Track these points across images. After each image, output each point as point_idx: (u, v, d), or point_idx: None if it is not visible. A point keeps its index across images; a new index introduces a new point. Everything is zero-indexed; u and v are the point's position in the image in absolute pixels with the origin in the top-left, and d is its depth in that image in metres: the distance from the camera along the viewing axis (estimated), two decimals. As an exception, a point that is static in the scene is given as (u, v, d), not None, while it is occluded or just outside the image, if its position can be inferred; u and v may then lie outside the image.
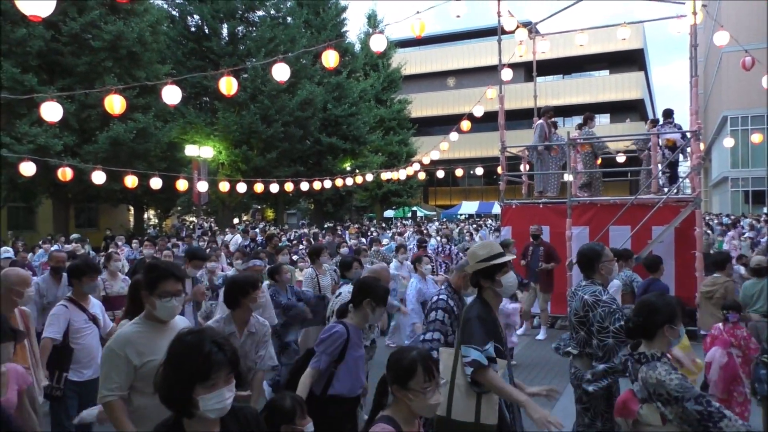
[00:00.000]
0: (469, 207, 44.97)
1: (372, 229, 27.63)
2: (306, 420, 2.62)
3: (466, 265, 3.61)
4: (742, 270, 8.33)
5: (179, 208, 31.93)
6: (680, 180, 11.35)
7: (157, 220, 35.59)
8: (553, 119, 12.06)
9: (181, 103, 17.75)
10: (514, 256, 3.71)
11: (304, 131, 28.88)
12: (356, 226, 29.05)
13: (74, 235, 16.68)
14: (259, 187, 18.29)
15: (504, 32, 11.69)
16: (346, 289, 5.22)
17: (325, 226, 28.59)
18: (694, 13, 9.77)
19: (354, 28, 65.56)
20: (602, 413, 3.81)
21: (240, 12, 28.21)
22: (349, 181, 20.75)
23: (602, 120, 46.58)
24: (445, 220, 38.63)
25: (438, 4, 8.92)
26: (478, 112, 14.77)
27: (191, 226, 28.88)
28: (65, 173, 12.46)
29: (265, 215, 42.04)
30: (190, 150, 21.86)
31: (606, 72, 51.19)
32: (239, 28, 28.35)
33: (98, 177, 12.65)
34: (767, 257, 6.99)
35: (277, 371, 6.18)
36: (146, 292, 3.05)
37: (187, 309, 5.87)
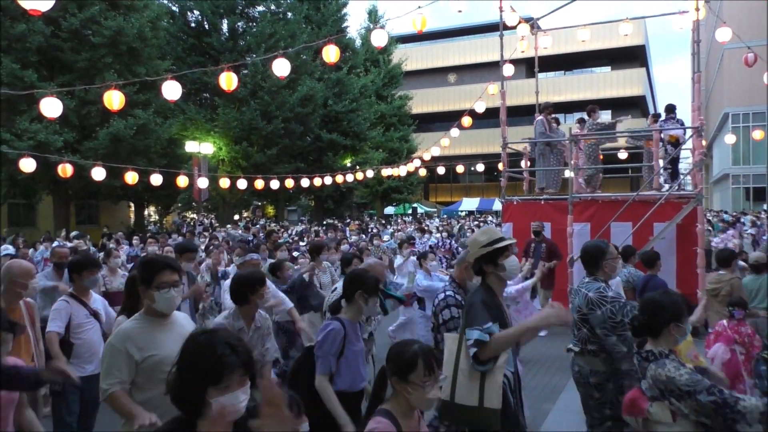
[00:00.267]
0: (469, 204, 44.93)
1: (371, 225, 27.64)
2: (301, 419, 2.59)
3: (467, 255, 3.60)
4: (743, 264, 8.30)
5: (180, 204, 31.95)
6: (682, 176, 11.32)
7: (157, 217, 35.61)
8: (553, 115, 12.02)
9: (181, 100, 17.73)
10: (515, 240, 3.73)
11: (305, 127, 28.85)
12: (357, 222, 29.06)
13: (74, 233, 16.66)
14: (259, 184, 18.28)
15: (506, 28, 11.65)
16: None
17: (325, 222, 28.58)
18: (697, 9, 9.74)
19: (355, 24, 65.51)
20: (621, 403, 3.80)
21: (240, 7, 28.16)
22: (350, 178, 20.76)
23: (603, 116, 46.39)
24: (445, 216, 38.61)
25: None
26: (480, 108, 14.74)
27: (192, 223, 28.89)
28: (65, 170, 12.45)
29: (266, 212, 42.04)
30: (191, 146, 21.83)
31: (607, 68, 51.10)
32: (239, 23, 28.31)
33: (98, 173, 12.65)
34: (766, 254, 6.98)
35: (281, 363, 6.19)
36: (143, 286, 3.04)
37: (183, 306, 5.85)
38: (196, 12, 27.89)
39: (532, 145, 12.17)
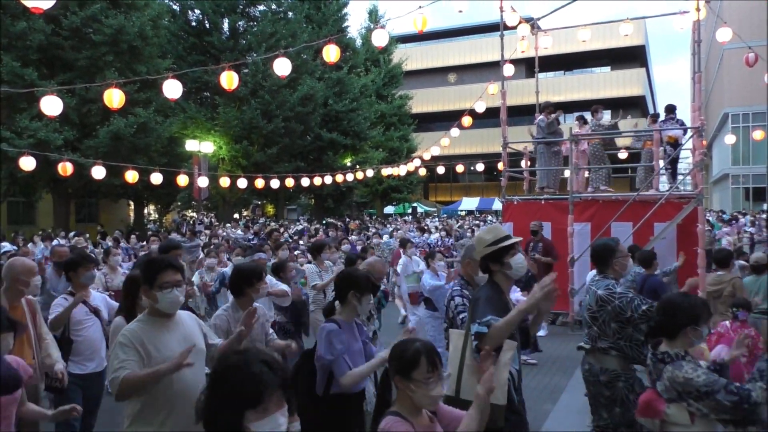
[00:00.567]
0: (469, 203, 44.90)
1: (369, 224, 27.62)
2: (293, 417, 2.60)
3: (472, 252, 3.58)
4: (743, 263, 8.29)
5: (179, 203, 31.96)
6: (683, 177, 11.32)
7: (157, 216, 35.61)
8: (553, 115, 12.00)
9: (181, 98, 17.70)
10: (521, 238, 3.73)
11: (305, 126, 28.86)
12: (357, 222, 29.07)
13: (72, 233, 16.64)
14: (259, 183, 18.27)
15: (506, 28, 11.65)
16: None
17: (324, 221, 28.57)
18: (698, 10, 9.74)
19: (355, 24, 65.54)
20: (633, 402, 3.73)
21: (241, 7, 28.17)
22: (350, 177, 20.75)
23: (605, 117, 46.41)
24: (445, 216, 38.61)
25: (440, -1, 8.87)
26: (480, 107, 14.73)
27: (192, 222, 28.89)
28: (65, 168, 12.44)
29: (266, 211, 42.04)
30: (191, 145, 21.84)
31: (607, 68, 51.08)
32: (240, 22, 28.33)
33: (98, 172, 12.64)
34: (766, 254, 6.98)
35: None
36: (146, 287, 3.01)
37: None
38: (197, 11, 27.91)
39: (533, 144, 12.16)
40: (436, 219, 34.20)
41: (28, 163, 11.68)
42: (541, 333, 9.88)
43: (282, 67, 9.05)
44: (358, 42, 37.89)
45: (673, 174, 11.03)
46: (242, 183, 18.49)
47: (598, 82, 49.22)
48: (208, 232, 18.86)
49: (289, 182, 19.19)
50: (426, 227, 20.70)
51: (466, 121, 15.04)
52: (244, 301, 4.00)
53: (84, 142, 19.63)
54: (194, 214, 32.89)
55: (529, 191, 12.90)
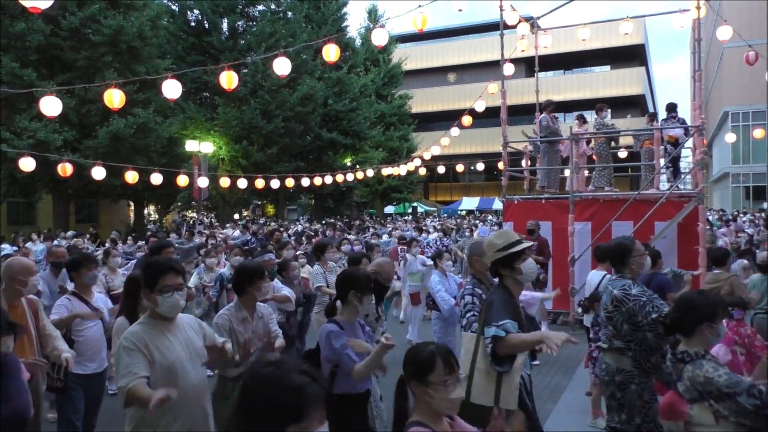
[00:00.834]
0: (469, 203, 44.90)
1: (370, 224, 27.59)
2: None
3: (479, 249, 3.56)
4: (744, 263, 8.26)
5: (179, 203, 31.95)
6: (683, 175, 11.30)
7: (157, 216, 35.59)
8: (553, 114, 11.98)
9: (181, 98, 17.69)
10: (532, 243, 3.72)
11: (305, 126, 28.85)
12: (356, 222, 29.04)
13: (70, 233, 16.66)
14: (259, 183, 18.27)
15: (506, 27, 11.62)
16: None
17: (324, 221, 28.56)
18: (698, 8, 9.73)
19: (354, 23, 65.53)
20: (639, 409, 3.74)
21: (240, 7, 28.15)
22: (350, 177, 20.74)
23: (607, 115, 46.33)
24: (445, 216, 38.60)
25: (440, -2, 8.85)
26: (480, 107, 14.71)
27: (192, 222, 28.85)
28: (65, 168, 12.44)
29: (266, 211, 42.04)
30: (191, 145, 21.82)
31: (607, 67, 51.06)
32: (239, 22, 28.30)
33: (98, 172, 12.63)
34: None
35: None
36: (146, 290, 2.97)
37: None
38: (196, 11, 27.89)
39: (534, 143, 12.13)
40: (436, 219, 34.21)
41: (27, 164, 11.67)
42: (535, 362, 9.85)
43: (281, 66, 9.03)
44: (358, 42, 37.88)
45: (674, 173, 11.01)
46: (242, 183, 18.48)
47: (598, 81, 49.20)
48: (206, 232, 18.83)
49: (289, 182, 19.18)
50: (424, 227, 20.68)
51: (466, 120, 15.03)
52: (246, 299, 4.00)
53: (83, 142, 19.62)
54: (194, 215, 32.90)
55: (529, 191, 12.88)
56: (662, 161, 10.62)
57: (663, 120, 11.14)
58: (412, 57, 48.20)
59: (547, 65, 40.73)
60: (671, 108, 11.00)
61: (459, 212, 42.06)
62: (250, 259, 7.11)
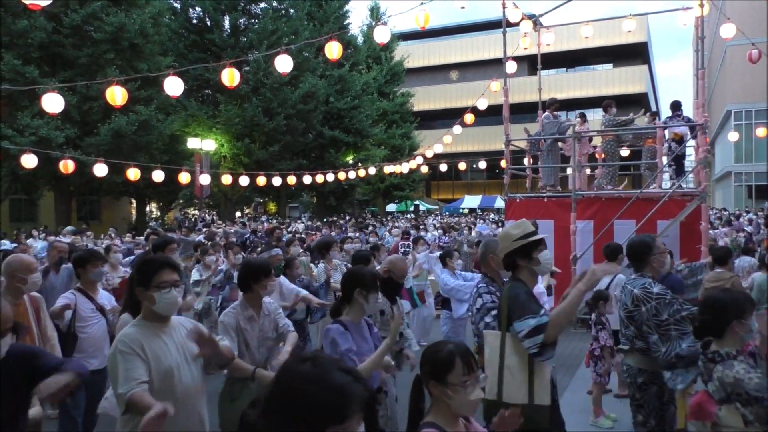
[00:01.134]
0: (471, 201, 44.87)
1: (368, 221, 27.59)
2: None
3: (494, 247, 3.48)
4: (752, 260, 8.21)
5: (181, 201, 31.96)
6: (686, 174, 11.26)
7: (159, 213, 35.61)
8: (556, 113, 11.94)
9: (183, 96, 17.70)
10: (546, 235, 3.66)
11: (307, 124, 28.85)
12: (358, 219, 29.04)
13: (69, 228, 16.66)
14: (261, 180, 18.23)
15: (509, 24, 11.59)
16: None
17: (324, 220, 28.58)
18: (701, 5, 9.68)
19: (357, 21, 65.40)
20: (656, 411, 3.70)
21: (242, 4, 28.16)
22: (352, 175, 20.70)
23: (615, 112, 46.31)
24: (447, 214, 38.58)
25: (442, -4, 8.82)
26: (482, 105, 14.67)
27: (193, 220, 28.85)
28: (67, 165, 12.43)
29: (268, 209, 42.04)
30: (193, 143, 21.83)
31: (610, 65, 50.98)
32: (241, 20, 28.30)
33: (100, 169, 12.61)
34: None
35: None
36: (141, 288, 2.88)
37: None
38: (198, 8, 27.89)
39: (534, 143, 12.09)
40: (438, 217, 34.18)
41: (29, 161, 11.67)
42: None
43: (283, 64, 9.02)
44: (360, 39, 37.86)
45: (678, 171, 10.97)
46: (244, 181, 18.46)
47: (601, 79, 49.11)
48: (205, 230, 18.82)
49: (291, 180, 19.15)
50: (422, 226, 20.65)
51: (469, 118, 14.98)
52: (251, 297, 3.91)
53: (85, 139, 19.64)
54: (196, 212, 32.91)
55: (531, 188, 12.86)
56: (665, 159, 10.59)
57: (668, 118, 11.10)
58: (414, 55, 48.17)
59: (549, 63, 40.66)
60: (676, 106, 10.95)
61: (461, 210, 42.06)
62: (258, 255, 7.03)
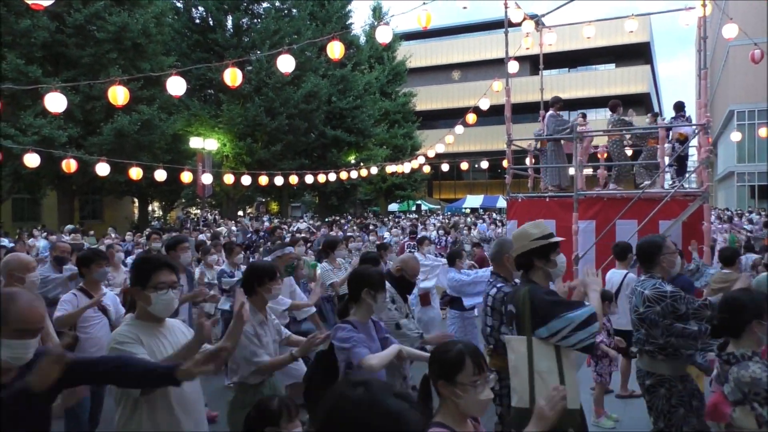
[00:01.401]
0: (473, 201, 44.87)
1: (368, 221, 27.60)
2: (293, 424, 2.50)
3: (510, 248, 3.44)
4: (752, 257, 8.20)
5: (183, 200, 32.00)
6: (688, 174, 11.25)
7: (161, 213, 35.65)
8: (559, 112, 11.92)
9: (185, 95, 17.70)
10: (563, 238, 3.59)
11: (309, 124, 28.86)
12: (359, 219, 29.04)
13: (69, 226, 16.70)
14: (263, 180, 18.25)
15: (511, 24, 11.58)
16: None
17: (324, 219, 28.59)
18: (704, 5, 9.66)
19: (359, 21, 65.33)
20: (664, 413, 3.69)
21: (245, 4, 28.18)
22: (354, 174, 20.70)
23: (607, 114, 46.31)
24: (449, 213, 38.57)
25: (444, -5, 8.82)
26: (484, 105, 14.67)
27: (195, 219, 28.90)
28: (70, 165, 12.45)
29: (270, 208, 42.07)
30: (195, 142, 21.83)
31: (612, 65, 50.96)
32: (244, 20, 28.32)
33: (103, 169, 12.63)
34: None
35: None
36: (137, 287, 2.81)
37: (183, 310, 5.76)
38: (201, 8, 27.94)
39: (546, 141, 12.05)
40: (440, 216, 34.16)
41: (32, 160, 11.69)
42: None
43: (286, 64, 9.02)
44: (362, 39, 37.87)
45: (680, 171, 10.95)
46: (246, 180, 18.47)
47: (603, 79, 49.08)
48: (205, 229, 18.85)
49: (293, 179, 19.16)
50: (422, 226, 20.67)
51: (471, 118, 14.99)
52: (256, 300, 3.85)
53: (88, 139, 19.68)
54: (198, 211, 32.94)
55: (533, 188, 12.84)
56: (667, 159, 10.57)
57: (672, 118, 11.09)
58: (417, 54, 48.18)
59: (551, 63, 40.65)
60: (680, 107, 10.94)
61: (463, 210, 42.05)
62: (271, 252, 6.89)
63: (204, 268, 8.10)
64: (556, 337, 2.96)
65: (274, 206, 41.62)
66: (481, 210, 39.79)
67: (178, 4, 27.70)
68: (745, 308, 2.87)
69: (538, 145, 11.72)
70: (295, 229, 20.77)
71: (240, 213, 33.20)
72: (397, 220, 29.80)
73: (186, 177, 15.86)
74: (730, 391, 2.80)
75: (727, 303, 2.99)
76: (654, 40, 55.27)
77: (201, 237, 14.15)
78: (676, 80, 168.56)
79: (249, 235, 16.18)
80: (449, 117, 44.60)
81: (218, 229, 18.57)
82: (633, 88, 47.38)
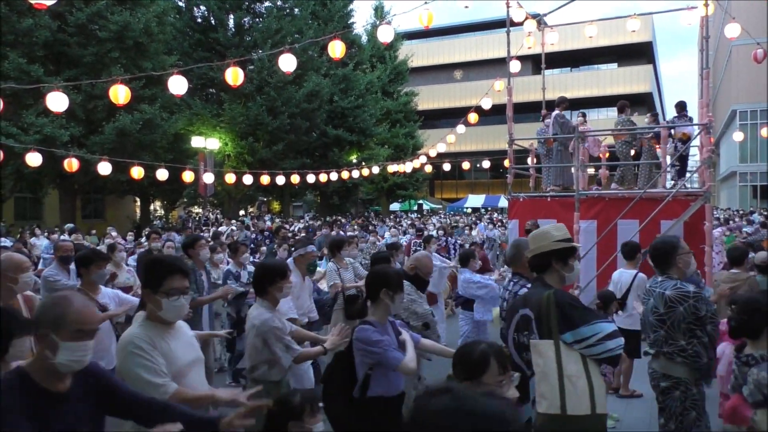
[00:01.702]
0: (475, 200, 44.88)
1: (375, 222, 27.59)
2: (315, 419, 2.51)
3: (527, 248, 3.40)
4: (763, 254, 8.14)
5: (185, 199, 32.03)
6: (690, 174, 11.23)
7: (163, 212, 35.69)
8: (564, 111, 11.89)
9: (187, 95, 17.74)
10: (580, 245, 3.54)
11: (311, 123, 28.85)
12: (359, 219, 29.04)
13: (69, 225, 16.72)
14: (265, 179, 18.26)
15: (512, 24, 11.57)
16: None
17: (324, 219, 28.60)
18: (706, 5, 9.64)
19: (361, 21, 65.32)
20: (676, 416, 3.67)
21: (246, 3, 28.18)
22: (355, 174, 20.70)
23: (610, 114, 46.37)
24: (451, 213, 38.57)
25: (446, -5, 8.82)
26: (486, 104, 14.66)
27: (197, 218, 28.91)
28: (71, 164, 12.46)
29: (271, 207, 42.09)
30: (197, 141, 21.85)
31: (614, 65, 50.91)
32: (246, 19, 28.33)
33: (104, 168, 12.64)
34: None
35: None
36: (148, 290, 2.78)
37: (204, 312, 5.76)
38: (203, 7, 27.95)
39: (542, 142, 12.06)
40: (442, 216, 34.16)
41: (34, 159, 11.71)
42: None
43: (287, 63, 9.01)
44: (364, 38, 37.87)
45: (681, 171, 10.94)
46: (248, 179, 18.49)
47: (605, 78, 49.02)
48: (206, 228, 18.84)
49: (295, 179, 19.17)
50: (422, 226, 20.63)
51: (472, 118, 14.97)
52: (268, 299, 3.83)
53: (90, 138, 19.69)
54: (200, 211, 32.96)
55: (535, 188, 12.83)
56: (668, 159, 10.56)
57: (674, 117, 11.08)
58: (419, 54, 48.16)
59: (553, 62, 40.70)
60: (682, 106, 10.92)
61: (464, 210, 42.04)
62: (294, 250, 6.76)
63: (210, 267, 8.10)
64: (581, 344, 2.91)
65: (275, 205, 41.64)
66: (483, 209, 39.78)
67: (180, 3, 27.71)
68: (763, 311, 2.86)
69: (545, 145, 11.69)
70: (296, 228, 20.78)
71: (241, 212, 33.20)
72: (398, 219, 29.80)
73: (188, 176, 15.88)
74: (749, 393, 2.77)
75: (745, 306, 2.97)
76: (656, 39, 55.20)
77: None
78: (678, 80, 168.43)
79: (254, 236, 16.16)
80: (451, 116, 44.58)
81: (220, 228, 18.56)
82: (635, 87, 47.31)
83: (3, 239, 11.84)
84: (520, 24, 12.10)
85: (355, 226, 22.55)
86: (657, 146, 11.02)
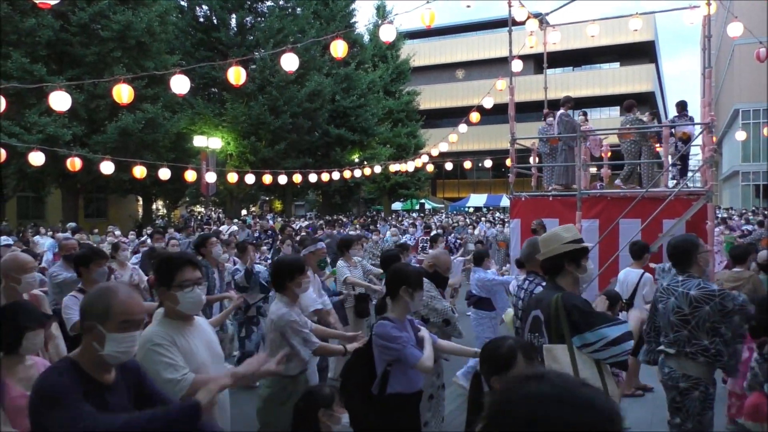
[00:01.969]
0: (477, 200, 44.87)
1: (378, 221, 27.60)
2: (343, 409, 2.56)
3: (539, 248, 3.40)
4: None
5: (188, 198, 32.07)
6: (692, 173, 11.22)
7: (165, 211, 35.73)
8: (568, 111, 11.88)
9: (189, 94, 17.76)
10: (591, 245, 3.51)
11: (313, 122, 28.86)
12: (361, 218, 29.05)
13: (70, 224, 16.72)
14: (267, 179, 18.27)
15: (515, 23, 11.57)
16: None
17: (325, 218, 28.61)
18: (708, 4, 9.64)
19: (363, 20, 65.37)
20: (695, 415, 3.66)
21: (249, 3, 28.20)
22: (357, 173, 20.71)
23: (612, 113, 46.34)
24: (453, 213, 38.56)
25: (448, -6, 8.82)
26: (488, 104, 14.66)
27: (200, 217, 28.93)
28: (74, 163, 12.48)
29: (273, 207, 42.12)
30: (199, 141, 21.88)
31: (616, 64, 50.82)
32: (248, 18, 28.35)
33: (107, 167, 12.66)
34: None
35: None
36: (162, 288, 2.80)
37: (214, 309, 5.78)
38: (205, 7, 27.98)
39: (545, 141, 12.05)
40: (443, 215, 34.15)
41: (37, 159, 11.73)
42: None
43: (289, 62, 9.03)
44: (366, 38, 37.86)
45: (682, 171, 10.93)
46: (250, 179, 18.50)
47: (607, 78, 48.95)
48: (206, 228, 18.85)
49: (297, 178, 19.18)
50: (417, 225, 20.64)
51: (474, 117, 14.97)
52: (287, 295, 3.85)
53: (92, 137, 19.72)
54: (202, 210, 33.01)
55: (537, 187, 12.83)
56: (670, 158, 10.55)
57: (675, 117, 11.07)
58: (420, 53, 48.13)
59: (555, 62, 40.64)
60: (682, 106, 10.91)
61: (466, 209, 42.04)
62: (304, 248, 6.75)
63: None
64: (588, 349, 2.91)
65: (277, 205, 41.67)
66: (485, 209, 39.77)
67: (182, 3, 27.74)
68: None
69: (547, 144, 11.68)
70: (299, 227, 20.80)
71: (243, 212, 33.22)
72: (400, 219, 29.80)
73: (190, 175, 15.89)
74: None
75: (765, 304, 2.96)
76: (658, 38, 55.13)
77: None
78: (680, 79, 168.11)
79: (256, 234, 16.17)
80: (453, 116, 44.56)
81: (221, 227, 18.58)
82: (637, 86, 47.23)
83: (4, 237, 11.84)
84: (522, 23, 12.10)
85: (357, 226, 22.56)
86: (657, 145, 11.02)
